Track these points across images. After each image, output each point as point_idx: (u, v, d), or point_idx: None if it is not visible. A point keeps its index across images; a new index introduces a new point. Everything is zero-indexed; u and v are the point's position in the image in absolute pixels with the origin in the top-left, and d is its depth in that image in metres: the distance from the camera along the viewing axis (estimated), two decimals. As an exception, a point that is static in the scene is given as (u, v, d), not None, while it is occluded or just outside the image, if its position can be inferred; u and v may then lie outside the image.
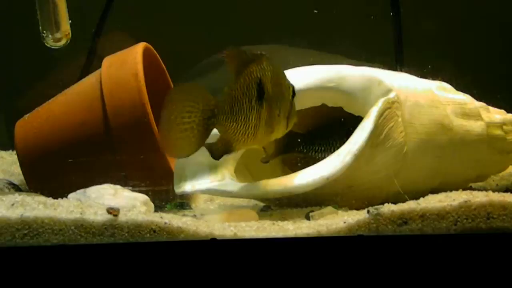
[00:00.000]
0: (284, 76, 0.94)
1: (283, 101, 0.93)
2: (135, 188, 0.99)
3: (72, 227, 0.82)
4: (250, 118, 0.91)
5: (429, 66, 1.06)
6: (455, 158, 1.01)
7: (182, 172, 1.01)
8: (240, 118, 0.91)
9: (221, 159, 0.94)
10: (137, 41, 1.11)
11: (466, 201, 0.85)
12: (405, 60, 1.22)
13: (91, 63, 1.25)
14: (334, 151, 0.95)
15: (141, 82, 1.04)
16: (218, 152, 0.92)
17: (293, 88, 0.95)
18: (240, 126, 0.91)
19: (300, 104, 0.97)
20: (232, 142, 0.92)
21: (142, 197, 0.97)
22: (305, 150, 1.02)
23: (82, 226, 0.82)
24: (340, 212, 0.92)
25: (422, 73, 1.05)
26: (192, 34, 1.40)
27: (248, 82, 0.91)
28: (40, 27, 1.11)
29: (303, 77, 1.00)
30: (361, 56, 1.18)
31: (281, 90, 0.93)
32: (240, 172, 1.01)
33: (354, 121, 0.97)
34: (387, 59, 1.21)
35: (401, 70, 1.12)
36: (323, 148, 1.01)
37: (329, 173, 0.93)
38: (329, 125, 1.02)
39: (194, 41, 1.39)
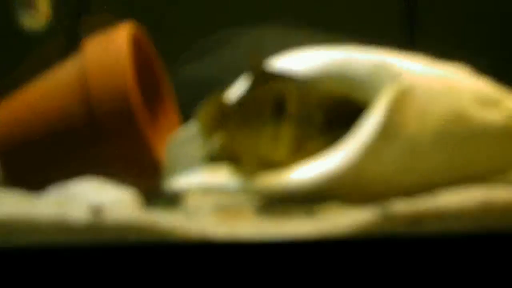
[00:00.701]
0: (318, 105, 0.95)
1: (313, 127, 0.94)
2: (120, 183, 0.98)
3: (51, 227, 0.81)
4: (264, 134, 0.92)
5: (445, 48, 1.05)
6: (474, 150, 0.99)
7: (172, 165, 1.00)
8: (249, 131, 0.92)
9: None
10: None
11: (487, 198, 0.84)
12: (418, 41, 1.21)
13: (72, 46, 1.23)
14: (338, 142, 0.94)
15: (127, 66, 1.02)
16: (216, 158, 0.94)
17: None
18: (250, 142, 0.92)
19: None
20: (239, 155, 0.93)
21: (128, 193, 0.96)
22: None
23: (62, 225, 0.81)
24: (346, 211, 0.90)
25: (437, 56, 1.03)
26: (187, 13, 1.40)
27: (264, 95, 0.92)
28: (17, 8, 1.11)
29: (303, 62, 0.99)
30: (368, 38, 1.16)
31: (312, 116, 0.94)
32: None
33: (360, 111, 0.95)
34: (397, 40, 1.19)
35: (413, 53, 1.08)
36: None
37: (334, 168, 0.92)
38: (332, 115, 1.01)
39: (189, 21, 1.39)
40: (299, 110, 0.93)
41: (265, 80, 0.93)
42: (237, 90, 1.00)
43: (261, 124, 0.93)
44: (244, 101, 0.93)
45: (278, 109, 0.93)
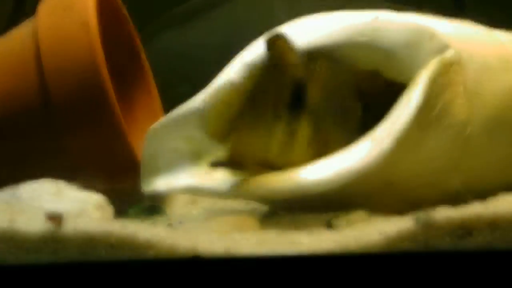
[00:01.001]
0: (353, 93, 0.94)
1: (345, 121, 0.95)
2: (87, 184, 0.97)
3: (-2, 239, 0.77)
4: (274, 132, 0.92)
5: (501, 13, 1.04)
6: (539, 143, 0.98)
7: (152, 162, 1.00)
8: (258, 130, 0.92)
9: (207, 146, 0.96)
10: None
11: (555, 203, 0.83)
12: (468, 5, 1.21)
13: (23, 10, 1.24)
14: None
15: (95, 35, 1.02)
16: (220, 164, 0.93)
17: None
18: (257, 141, 0.92)
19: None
20: (245, 160, 0.93)
21: (96, 198, 0.96)
22: None
23: (11, 239, 0.82)
24: (374, 219, 0.90)
25: (492, 22, 1.03)
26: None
27: (277, 81, 0.92)
28: None
29: (324, 28, 0.98)
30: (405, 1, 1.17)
31: (343, 107, 0.94)
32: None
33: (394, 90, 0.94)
34: (443, 4, 1.19)
35: (462, 18, 1.08)
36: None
37: (359, 165, 0.90)
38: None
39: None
40: (328, 102, 0.93)
41: (283, 64, 0.92)
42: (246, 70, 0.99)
43: (271, 121, 0.92)
44: (257, 91, 0.92)
45: (296, 100, 0.92)
